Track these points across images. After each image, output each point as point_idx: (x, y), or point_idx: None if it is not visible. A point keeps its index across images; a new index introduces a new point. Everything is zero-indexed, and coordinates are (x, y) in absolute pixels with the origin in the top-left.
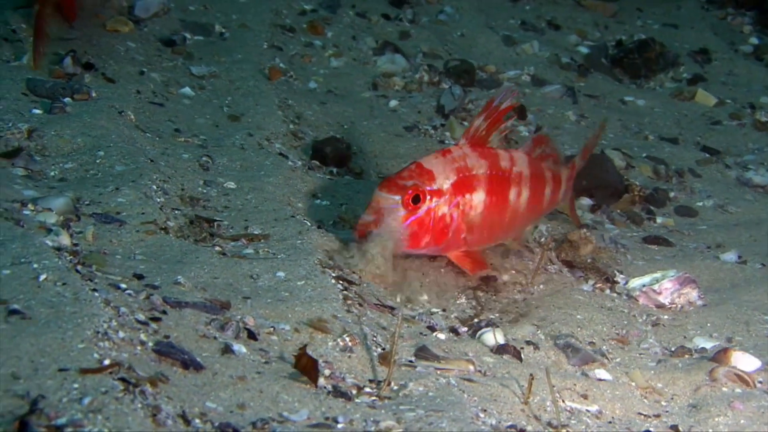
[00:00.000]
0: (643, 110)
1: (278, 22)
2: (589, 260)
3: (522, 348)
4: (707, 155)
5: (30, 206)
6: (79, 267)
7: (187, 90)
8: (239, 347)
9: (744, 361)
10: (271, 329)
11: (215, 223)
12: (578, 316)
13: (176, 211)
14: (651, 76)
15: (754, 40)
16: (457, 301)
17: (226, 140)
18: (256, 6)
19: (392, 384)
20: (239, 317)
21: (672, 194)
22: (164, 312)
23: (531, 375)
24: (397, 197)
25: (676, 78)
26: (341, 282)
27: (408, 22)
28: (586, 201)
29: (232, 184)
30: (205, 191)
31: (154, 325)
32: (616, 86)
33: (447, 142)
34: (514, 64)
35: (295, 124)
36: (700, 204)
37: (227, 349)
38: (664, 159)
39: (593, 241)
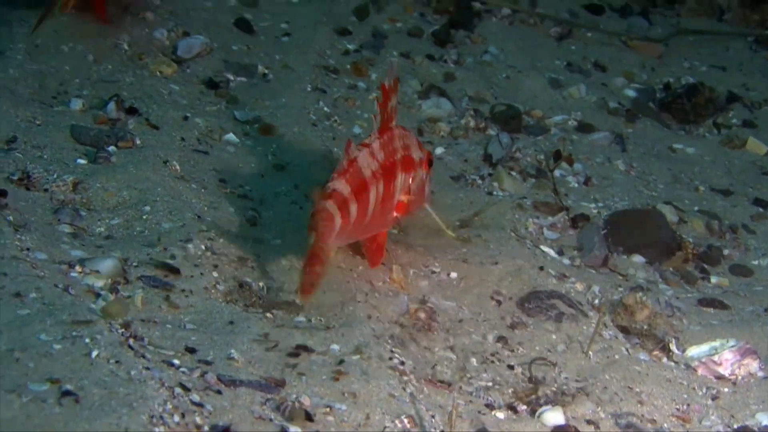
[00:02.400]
0: (693, 159)
1: (322, 63)
2: (645, 326)
3: (583, 428)
4: (761, 209)
5: (77, 268)
6: (131, 341)
7: (231, 136)
8: (295, 430)
9: None
10: (327, 409)
11: (265, 287)
12: (637, 389)
13: (225, 273)
14: (700, 122)
15: None
16: (513, 371)
17: (272, 192)
18: (299, 46)
19: None
20: (294, 396)
21: (726, 252)
22: (219, 392)
23: None
24: None
25: (725, 124)
26: (396, 355)
27: (452, 62)
28: (638, 259)
29: (278, 241)
30: (253, 249)
31: (209, 407)
32: (665, 133)
33: (495, 192)
34: (561, 108)
35: None
36: (755, 263)
37: None
38: (717, 213)
39: (650, 306)
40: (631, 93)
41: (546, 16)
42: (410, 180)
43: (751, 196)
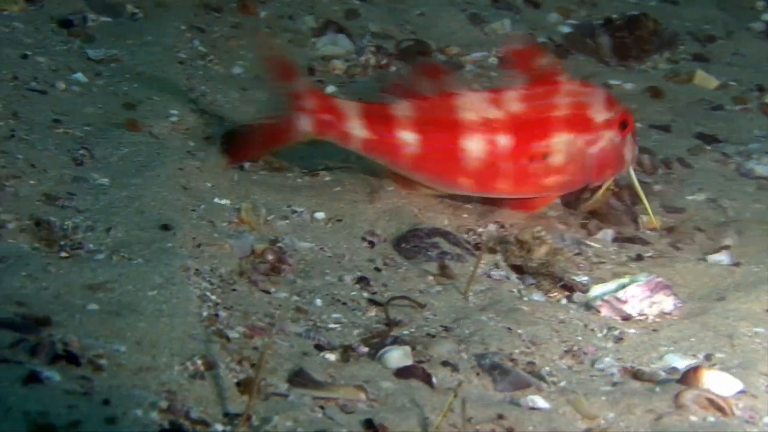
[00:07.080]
0: (630, 95)
1: (204, 2)
2: (543, 264)
3: (435, 370)
4: (700, 142)
5: None
6: None
7: (79, 75)
8: (52, 374)
9: (719, 383)
10: (101, 351)
11: (69, 226)
12: (519, 331)
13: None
14: (643, 57)
15: (766, 17)
16: (367, 314)
17: (111, 131)
18: None
19: (253, 418)
20: (59, 336)
21: (657, 188)
22: None
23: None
24: None
25: (672, 59)
26: (210, 292)
27: None
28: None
29: (105, 180)
30: (72, 187)
31: None
32: (600, 68)
33: None
34: (481, 45)
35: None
36: (690, 198)
37: (32, 378)
38: (650, 148)
39: (549, 241)
40: (565, 29)
41: None
42: (585, 143)
43: (694, 131)
